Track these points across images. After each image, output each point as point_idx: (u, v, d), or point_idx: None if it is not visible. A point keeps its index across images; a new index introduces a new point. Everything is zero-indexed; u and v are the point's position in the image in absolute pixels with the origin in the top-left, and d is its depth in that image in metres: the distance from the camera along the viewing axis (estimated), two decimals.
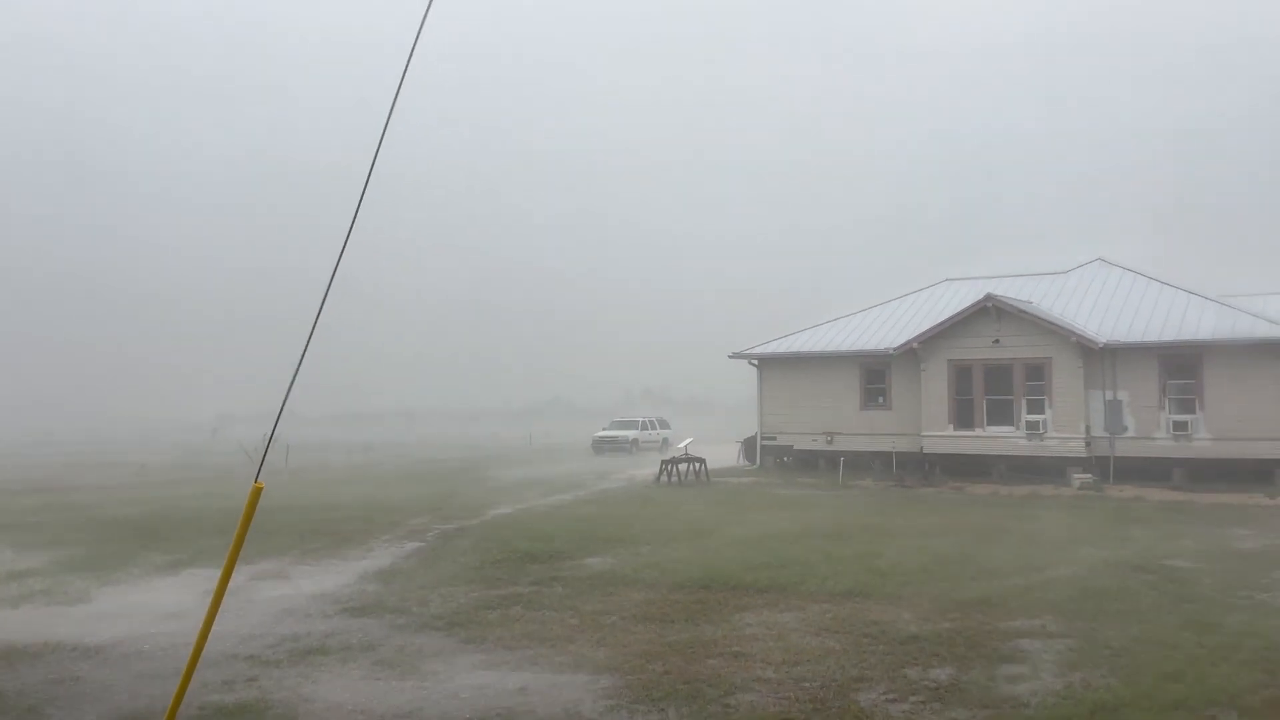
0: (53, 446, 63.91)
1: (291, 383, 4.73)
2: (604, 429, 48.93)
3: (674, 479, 26.82)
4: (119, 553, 14.11)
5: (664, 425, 50.35)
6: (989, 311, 25.76)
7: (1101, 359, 24.74)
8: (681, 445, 30.99)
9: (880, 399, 28.83)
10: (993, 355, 25.79)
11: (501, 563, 12.76)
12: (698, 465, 27.51)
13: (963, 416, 26.22)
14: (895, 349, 27.35)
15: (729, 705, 6.69)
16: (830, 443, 29.17)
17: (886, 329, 29.50)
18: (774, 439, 30.94)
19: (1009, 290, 27.79)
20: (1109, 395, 24.76)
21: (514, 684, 7.24)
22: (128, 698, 6.93)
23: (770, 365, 31.12)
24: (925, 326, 27.21)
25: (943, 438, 26.43)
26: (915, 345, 26.68)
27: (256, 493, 4.57)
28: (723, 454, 33.90)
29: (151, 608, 10.28)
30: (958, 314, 26.31)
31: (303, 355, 4.78)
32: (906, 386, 27.71)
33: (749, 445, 33.35)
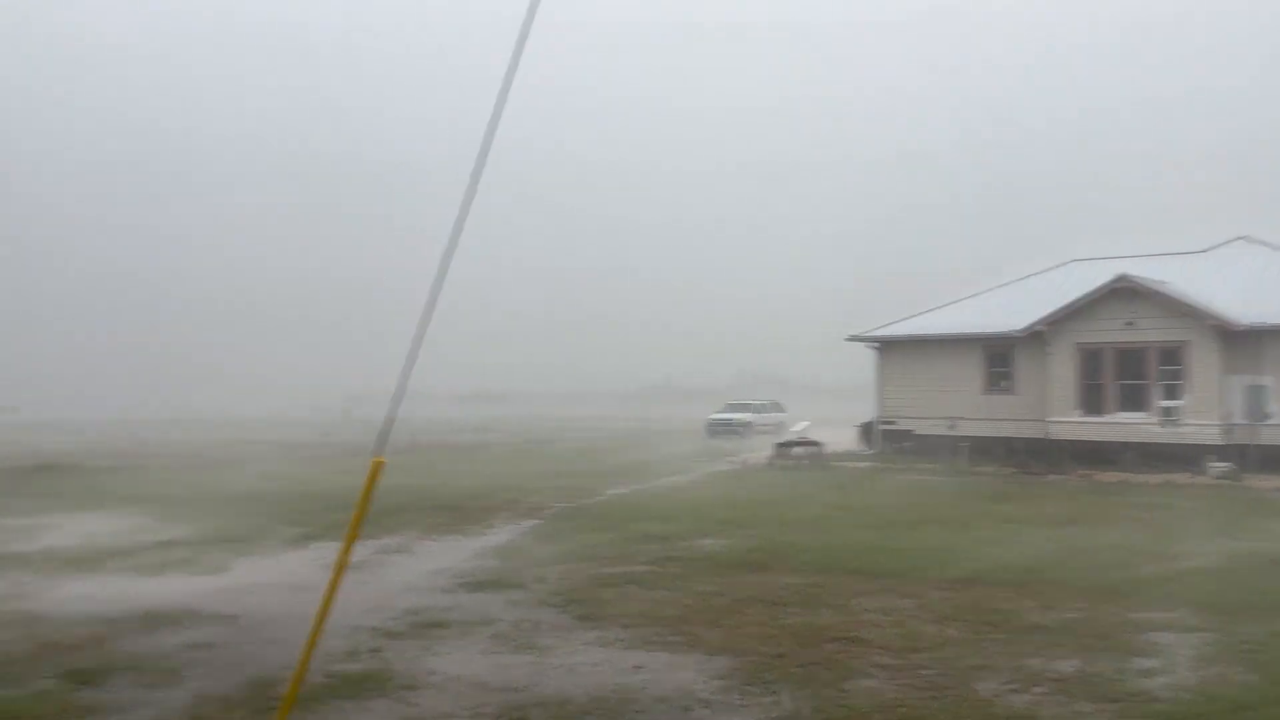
0: (192, 424, 67.08)
1: (411, 363, 4.82)
2: (718, 412, 48.76)
3: (789, 463, 26.60)
4: (254, 526, 14.70)
5: (779, 408, 49.91)
6: (1121, 293, 24.71)
7: (1244, 342, 23.50)
8: (797, 429, 30.73)
9: (1004, 383, 28.01)
10: (1125, 338, 24.75)
11: (617, 542, 12.86)
12: (813, 449, 27.23)
13: (1091, 402, 25.26)
14: (1020, 331, 26.49)
15: (844, 690, 6.59)
16: (952, 428, 28.46)
17: (1010, 311, 28.57)
18: (893, 423, 30.38)
19: (1141, 271, 26.62)
20: (1252, 380, 23.51)
21: (629, 662, 7.27)
22: (258, 664, 7.21)
23: (890, 348, 30.53)
24: (1052, 308, 26.24)
25: (1069, 423, 25.52)
26: (1041, 328, 25.79)
27: (376, 467, 4.68)
28: (840, 438, 33.46)
29: (282, 579, 10.68)
30: (1087, 295, 25.29)
31: (420, 337, 4.86)
32: (1032, 370, 26.84)
33: (867, 429, 32.82)
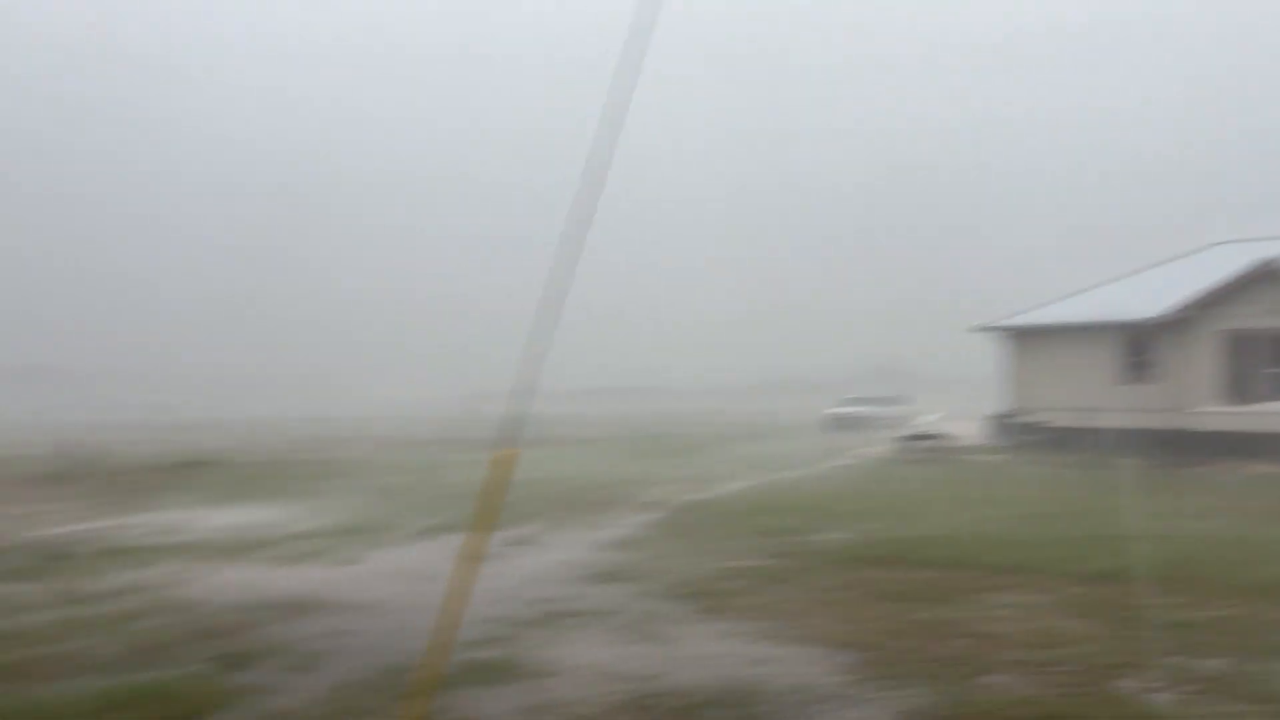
0: (324, 422, 69.61)
1: (534, 360, 4.92)
2: (839, 405, 48.16)
3: (914, 456, 26.12)
4: (386, 517, 15.19)
5: (902, 401, 49.00)
6: (1269, 276, 23.44)
7: None
8: (922, 422, 30.14)
9: (1142, 372, 26.89)
10: (1274, 324, 23.49)
11: (738, 536, 12.84)
12: (939, 442, 26.67)
13: (1237, 390, 24.06)
14: (1160, 318, 25.39)
15: (976, 686, 6.46)
16: (1086, 419, 27.48)
17: (1148, 297, 27.41)
18: (1023, 415, 29.50)
19: None
20: None
21: (754, 654, 7.27)
22: (394, 650, 7.46)
23: (1019, 337, 29.66)
24: (1193, 294, 25.06)
25: (1214, 414, 24.36)
26: (1182, 314, 24.67)
27: (505, 460, 4.80)
28: (967, 431, 32.66)
29: (415, 569, 11.01)
30: (1233, 279, 24.05)
31: (546, 335, 4.96)
32: (1172, 358, 25.71)
33: (996, 422, 31.98)
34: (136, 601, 9.30)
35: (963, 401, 47.88)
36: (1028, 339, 29.47)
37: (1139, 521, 13.78)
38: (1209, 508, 15.10)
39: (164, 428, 62.45)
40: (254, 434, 50.16)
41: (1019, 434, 29.60)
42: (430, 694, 5.76)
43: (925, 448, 26.62)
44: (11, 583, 10.33)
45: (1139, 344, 26.84)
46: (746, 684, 6.57)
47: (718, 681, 6.62)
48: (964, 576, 10.00)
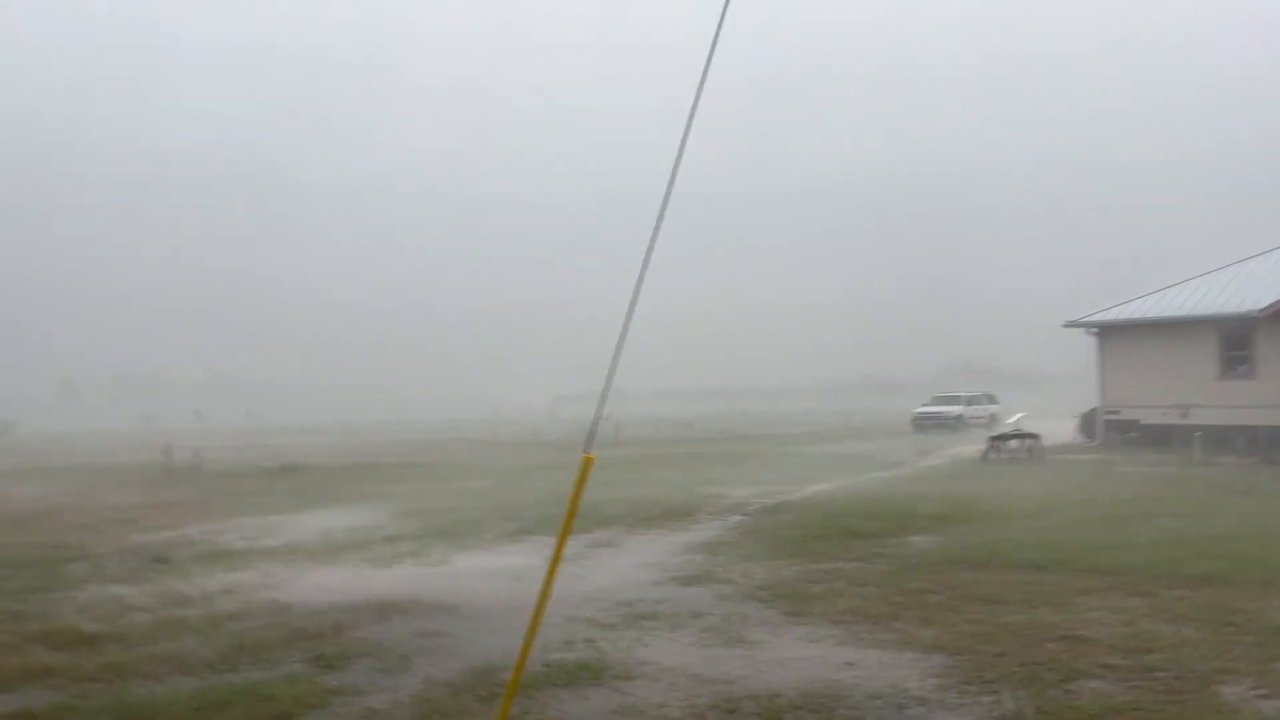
0: (413, 426, 70.87)
1: (614, 363, 4.94)
2: (925, 405, 47.40)
3: (1003, 456, 25.56)
4: (471, 520, 15.40)
5: (990, 400, 48.03)
6: None
7: None
8: (1011, 420, 29.49)
9: (1242, 367, 25.97)
10: None
11: (823, 538, 12.72)
12: (1029, 441, 26.05)
13: None
14: (1261, 311, 24.46)
15: (1070, 691, 6.30)
16: (1183, 416, 26.62)
17: (1247, 290, 26.43)
18: (1117, 413, 28.72)
19: None
20: None
21: (840, 658, 7.20)
22: (481, 652, 7.56)
23: (1111, 333, 28.87)
24: None
25: None
26: None
27: (587, 464, 4.82)
28: (1057, 429, 31.88)
29: (500, 571, 11.14)
30: None
31: (623, 336, 4.98)
32: (1275, 353, 24.74)
33: (1088, 420, 31.17)
34: (233, 603, 9.57)
35: (1053, 399, 46.72)
36: (1120, 335, 28.68)
37: (1240, 521, 13.29)
38: None
39: (258, 433, 64.27)
40: (345, 439, 51.29)
41: (1111, 432, 28.80)
42: (517, 697, 5.82)
43: (1015, 447, 26.03)
44: (117, 585, 10.72)
45: (1239, 339, 25.90)
46: (832, 688, 6.50)
47: (803, 685, 6.56)
48: (1056, 579, 9.75)
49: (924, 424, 44.38)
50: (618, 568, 11.17)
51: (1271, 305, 24.15)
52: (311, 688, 6.69)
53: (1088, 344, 30.16)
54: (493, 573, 11.06)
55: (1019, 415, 30.39)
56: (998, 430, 31.63)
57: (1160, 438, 27.13)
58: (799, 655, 7.32)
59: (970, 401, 46.42)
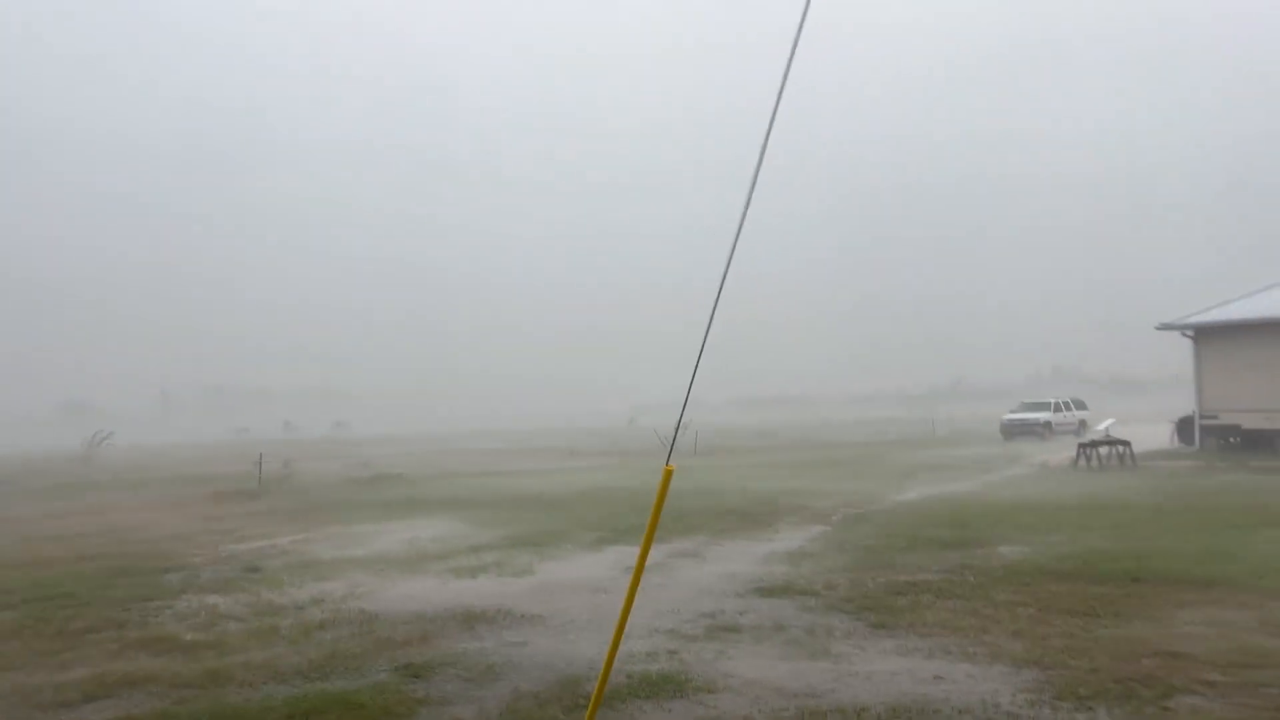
0: (496, 436, 71.69)
1: (694, 374, 4.94)
2: (1013, 411, 46.47)
3: (1094, 464, 24.90)
4: (554, 530, 15.50)
5: (1080, 406, 46.84)
6: None
7: None
8: (1102, 427, 28.75)
9: None
10: None
11: (909, 549, 12.52)
12: (1121, 448, 25.33)
13: None
14: None
15: (1167, 709, 6.09)
16: None
17: None
18: (1215, 418, 27.76)
19: None
20: None
21: (927, 671, 7.07)
22: (566, 662, 7.59)
23: (1209, 336, 27.94)
24: None
25: None
26: None
27: (668, 475, 4.82)
28: (1151, 435, 30.99)
29: (583, 582, 11.19)
30: None
31: (703, 346, 4.97)
32: None
33: (1184, 425, 30.20)
34: (321, 613, 9.77)
35: (1146, 405, 45.35)
36: (1218, 337, 27.72)
37: None
38: None
39: (346, 443, 65.62)
40: (429, 448, 52.09)
41: (1210, 437, 27.86)
42: (601, 708, 5.83)
43: (1107, 454, 25.34)
44: (211, 594, 11.04)
45: None
46: (921, 702, 6.38)
47: (891, 699, 6.46)
48: (1152, 591, 9.45)
49: (1012, 431, 43.52)
50: (700, 578, 11.13)
51: None
52: (399, 697, 6.80)
53: (1183, 347, 29.23)
54: (576, 583, 11.11)
55: (1109, 421, 29.60)
56: (1088, 437, 30.83)
57: (1262, 443, 26.15)
58: (885, 668, 7.20)
59: (1059, 408, 45.36)
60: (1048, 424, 43.39)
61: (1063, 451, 30.02)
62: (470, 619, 9.29)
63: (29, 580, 12.13)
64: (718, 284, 4.82)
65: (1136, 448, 25.78)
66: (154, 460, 48.81)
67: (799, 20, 4.46)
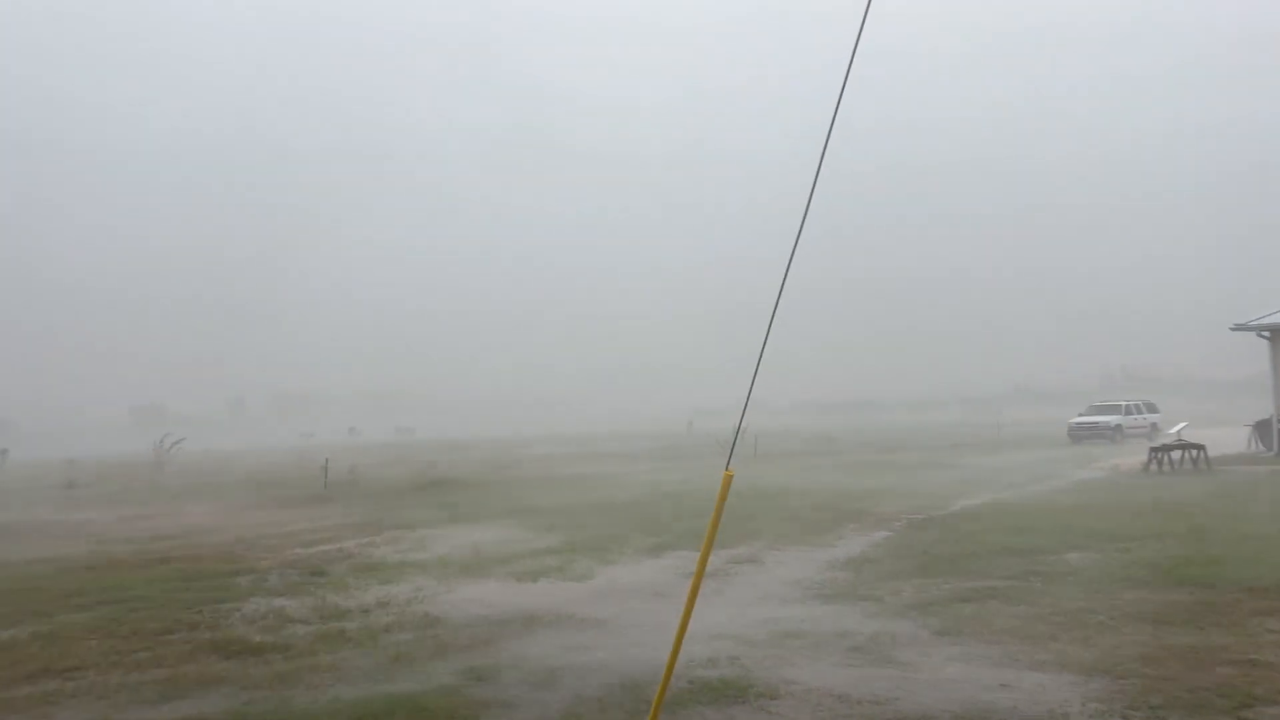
0: (556, 440, 72.06)
1: (753, 379, 4.92)
2: (1081, 414, 45.58)
3: (1166, 468, 24.30)
4: (614, 535, 15.53)
5: (1151, 409, 45.77)
6: None
7: None
8: (1174, 430, 28.03)
9: None
10: None
11: (974, 555, 12.33)
12: (1195, 452, 24.69)
13: None
14: None
15: (1245, 719, 5.92)
16: None
17: None
18: None
19: None
20: None
21: (994, 680, 6.95)
22: (626, 667, 7.60)
23: None
24: None
25: None
26: None
27: (727, 480, 4.81)
28: (1227, 439, 30.16)
29: (643, 586, 11.20)
30: None
31: (762, 352, 4.95)
32: None
33: (1262, 429, 29.38)
34: (386, 616, 9.90)
35: (1221, 407, 44.19)
36: None
37: None
38: None
39: (409, 448, 66.43)
40: (490, 453, 52.53)
41: None
42: (663, 713, 5.82)
43: (1180, 458, 24.72)
44: (280, 597, 11.24)
45: None
46: (987, 711, 6.28)
47: (956, 707, 6.37)
48: (1228, 599, 9.20)
49: (1080, 435, 42.68)
50: (762, 584, 11.08)
51: None
52: (463, 700, 6.86)
53: (1259, 348, 28.40)
54: (636, 588, 11.13)
55: (1182, 425, 28.88)
56: (1159, 441, 30.12)
57: None
58: (951, 676, 7.10)
59: (1129, 411, 44.37)
60: (1118, 427, 42.47)
61: (1133, 456, 29.35)
62: (532, 623, 9.34)
63: (104, 583, 12.46)
64: (778, 288, 4.80)
65: (1211, 451, 25.11)
66: (223, 465, 49.86)
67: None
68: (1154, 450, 25.43)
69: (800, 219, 4.79)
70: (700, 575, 4.92)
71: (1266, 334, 27.63)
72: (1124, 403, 45.94)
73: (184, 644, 8.97)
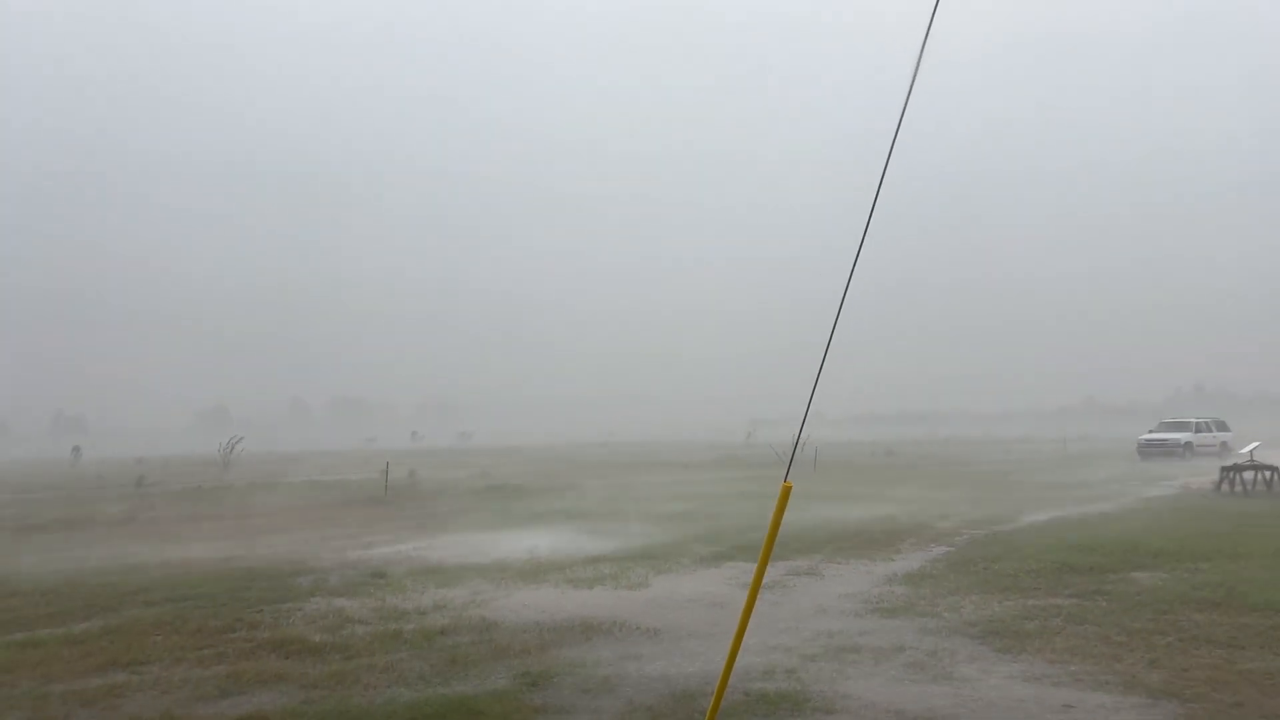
0: (613, 448, 72.20)
1: (814, 389, 4.87)
2: (1151, 431, 44.59)
3: (1238, 488, 23.63)
4: (670, 544, 15.50)
5: (1223, 427, 44.61)
6: None
7: None
8: (1247, 450, 27.25)
9: None
10: None
11: (1038, 572, 12.08)
12: (1269, 474, 23.98)
13: None
14: None
15: None
16: None
17: None
18: None
19: None
20: None
21: (1056, 700, 6.80)
22: (682, 677, 7.57)
23: None
24: None
25: None
26: None
27: (786, 491, 4.76)
28: None
29: (699, 596, 11.15)
30: None
31: (823, 362, 4.90)
32: None
33: None
34: (443, 619, 9.97)
35: None
36: None
37: None
38: None
39: (470, 453, 66.97)
40: (550, 459, 52.75)
41: None
42: None
43: (1252, 479, 24.02)
44: (339, 598, 11.38)
45: None
46: None
47: None
48: None
49: (1150, 452, 41.74)
50: (819, 597, 10.97)
51: None
52: (517, 705, 6.88)
53: None
54: (692, 597, 11.08)
55: (1254, 444, 28.06)
56: (1231, 460, 29.31)
57: None
58: (1011, 695, 6.96)
59: (1200, 428, 43.29)
60: (1188, 445, 41.47)
61: (1204, 475, 28.61)
62: (587, 630, 9.34)
63: (169, 580, 12.73)
64: (840, 297, 4.75)
65: None
66: (286, 467, 50.67)
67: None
68: (1225, 470, 24.76)
69: (864, 225, 4.73)
70: (757, 586, 4.88)
71: None
72: (1195, 420, 44.83)
73: (245, 642, 9.12)
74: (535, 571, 13.08)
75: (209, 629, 9.71)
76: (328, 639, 9.13)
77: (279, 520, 21.37)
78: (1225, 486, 23.89)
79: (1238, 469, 24.47)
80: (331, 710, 6.87)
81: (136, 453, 73.64)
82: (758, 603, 4.94)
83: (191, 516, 22.78)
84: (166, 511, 24.20)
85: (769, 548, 4.80)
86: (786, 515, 4.79)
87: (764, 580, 4.93)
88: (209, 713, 6.95)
